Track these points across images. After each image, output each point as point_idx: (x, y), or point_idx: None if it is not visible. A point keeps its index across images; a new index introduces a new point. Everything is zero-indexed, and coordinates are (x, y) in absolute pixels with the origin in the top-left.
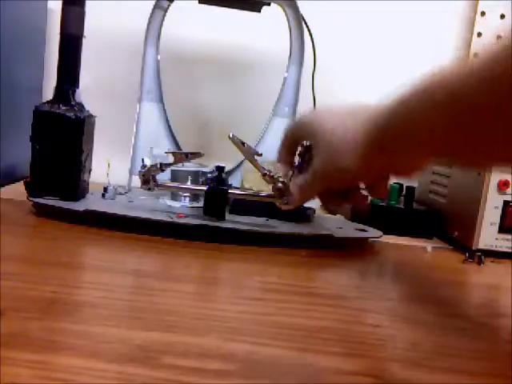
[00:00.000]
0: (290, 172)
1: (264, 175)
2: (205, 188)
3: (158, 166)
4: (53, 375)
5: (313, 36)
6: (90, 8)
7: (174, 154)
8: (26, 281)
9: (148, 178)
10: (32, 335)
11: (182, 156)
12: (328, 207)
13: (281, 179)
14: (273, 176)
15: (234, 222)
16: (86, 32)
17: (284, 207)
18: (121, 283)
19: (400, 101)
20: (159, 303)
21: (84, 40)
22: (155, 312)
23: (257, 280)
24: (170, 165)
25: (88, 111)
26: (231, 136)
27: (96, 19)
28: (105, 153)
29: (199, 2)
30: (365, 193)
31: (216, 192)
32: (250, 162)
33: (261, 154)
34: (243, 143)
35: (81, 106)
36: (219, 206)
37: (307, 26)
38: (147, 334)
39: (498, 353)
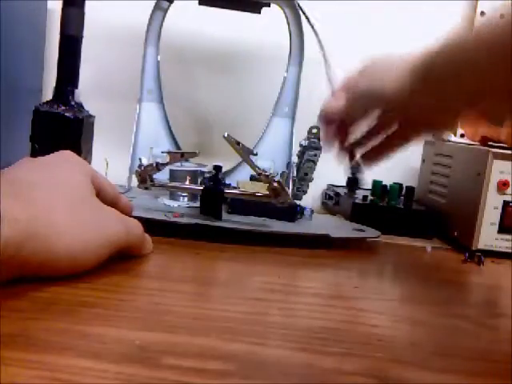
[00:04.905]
0: (286, 172)
1: (259, 174)
2: (201, 187)
3: (155, 165)
4: (53, 375)
5: (319, 37)
6: (89, 7)
7: (169, 153)
8: (25, 280)
9: (145, 177)
10: (32, 335)
11: (177, 155)
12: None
13: (276, 179)
14: (268, 175)
15: (231, 221)
16: (85, 31)
17: None
18: (120, 283)
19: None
20: (158, 303)
21: (84, 39)
22: (155, 312)
23: (256, 280)
24: (166, 164)
25: (87, 111)
26: (226, 135)
27: (96, 18)
28: (104, 152)
29: (199, 4)
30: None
31: (212, 191)
32: (245, 161)
33: (256, 154)
34: (238, 143)
35: (80, 106)
36: (215, 206)
37: (309, 22)
38: (147, 334)
39: (497, 353)
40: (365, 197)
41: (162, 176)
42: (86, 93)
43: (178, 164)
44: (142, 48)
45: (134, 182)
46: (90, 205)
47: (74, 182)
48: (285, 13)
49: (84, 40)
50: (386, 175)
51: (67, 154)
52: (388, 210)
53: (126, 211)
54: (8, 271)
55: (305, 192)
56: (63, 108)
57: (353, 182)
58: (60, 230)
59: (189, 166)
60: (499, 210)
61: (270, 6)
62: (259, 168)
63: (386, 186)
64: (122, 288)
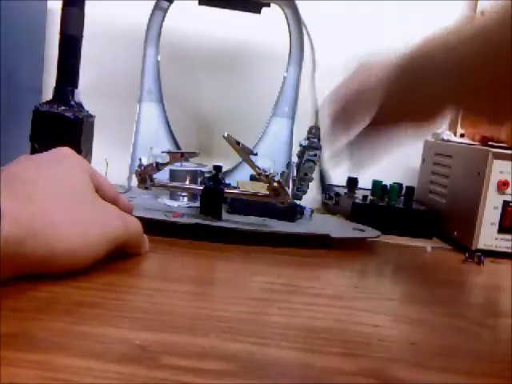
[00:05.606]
0: (286, 172)
1: (259, 175)
2: (201, 187)
3: (155, 165)
4: (53, 375)
5: (311, 37)
6: (89, 7)
7: (169, 153)
8: (25, 280)
9: (145, 177)
10: (32, 335)
11: (177, 155)
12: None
13: (276, 179)
14: (268, 175)
15: (231, 221)
16: (85, 31)
17: None
18: (120, 283)
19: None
20: (158, 303)
21: (84, 39)
22: (155, 312)
23: (256, 280)
24: (166, 164)
25: (87, 111)
26: (226, 135)
27: (96, 18)
28: (104, 152)
29: (199, 4)
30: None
31: (212, 191)
32: (245, 161)
33: (256, 154)
34: (238, 143)
35: (80, 106)
36: (215, 206)
37: (305, 28)
38: (147, 333)
39: (497, 353)
40: (365, 197)
41: (162, 176)
42: (86, 93)
43: (178, 164)
44: (141, 48)
45: (134, 181)
46: (89, 201)
47: (72, 178)
48: (285, 13)
49: (84, 40)
50: (386, 175)
51: (65, 151)
52: (388, 210)
53: (126, 211)
54: (8, 269)
55: (305, 192)
56: (63, 108)
57: (352, 182)
58: (59, 227)
59: (189, 165)
60: (499, 210)
61: (270, 6)
62: (259, 168)
63: (386, 185)
64: (121, 288)
